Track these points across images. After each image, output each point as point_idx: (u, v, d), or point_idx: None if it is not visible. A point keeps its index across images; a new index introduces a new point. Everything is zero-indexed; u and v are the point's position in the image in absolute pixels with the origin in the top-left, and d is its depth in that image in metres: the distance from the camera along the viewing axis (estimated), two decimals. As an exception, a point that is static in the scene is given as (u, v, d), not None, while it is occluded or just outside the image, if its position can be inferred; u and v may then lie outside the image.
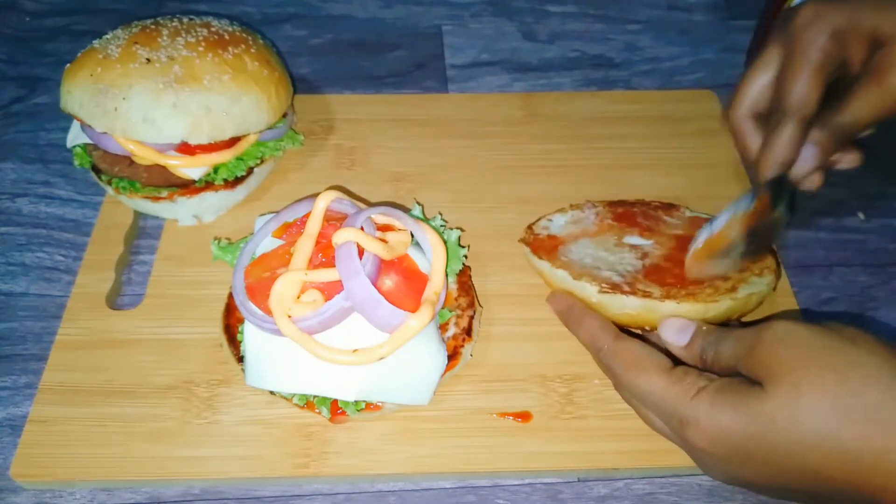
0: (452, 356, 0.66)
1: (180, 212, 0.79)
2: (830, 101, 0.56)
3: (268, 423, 0.65)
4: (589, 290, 0.64)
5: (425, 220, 0.71)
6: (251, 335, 0.62)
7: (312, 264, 0.62)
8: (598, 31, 1.08)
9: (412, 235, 0.66)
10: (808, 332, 0.48)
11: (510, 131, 0.90)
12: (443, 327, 0.67)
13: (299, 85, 0.95)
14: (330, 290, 0.60)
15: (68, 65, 0.76)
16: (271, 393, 0.65)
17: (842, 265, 0.80)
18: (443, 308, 0.67)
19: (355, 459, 0.63)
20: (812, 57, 0.55)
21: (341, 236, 0.61)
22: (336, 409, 0.63)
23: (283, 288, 0.60)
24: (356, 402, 0.63)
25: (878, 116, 0.55)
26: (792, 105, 0.55)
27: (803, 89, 0.55)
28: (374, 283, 0.60)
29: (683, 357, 0.57)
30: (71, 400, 0.66)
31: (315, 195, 0.66)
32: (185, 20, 0.78)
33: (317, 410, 0.63)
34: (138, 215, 0.82)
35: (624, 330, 0.61)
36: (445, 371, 0.65)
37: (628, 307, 0.62)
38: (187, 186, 0.77)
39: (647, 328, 0.65)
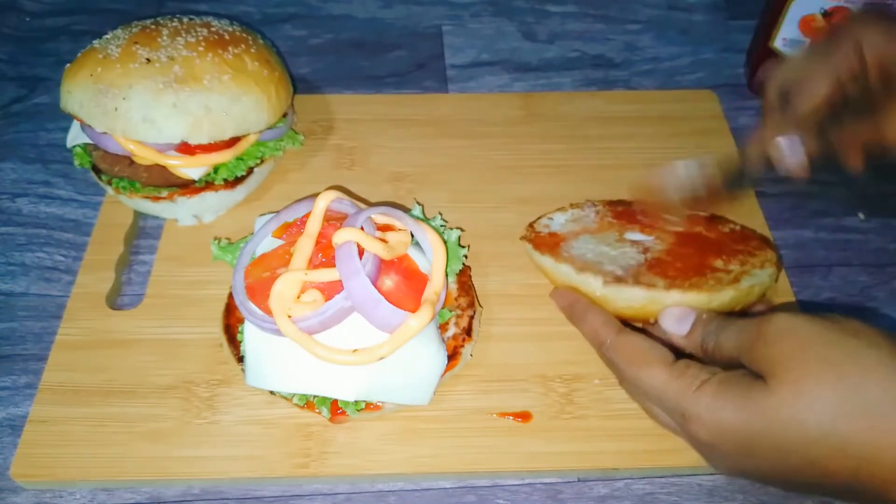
0: (452, 356, 0.66)
1: (180, 212, 0.79)
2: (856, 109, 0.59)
3: (268, 423, 0.65)
4: (593, 284, 0.63)
5: (425, 220, 0.71)
6: (251, 335, 0.62)
7: (312, 264, 0.62)
8: (598, 31, 1.08)
9: (412, 235, 0.66)
10: (809, 325, 0.48)
11: (510, 131, 0.90)
12: (443, 327, 0.67)
13: (299, 85, 0.95)
14: (330, 290, 0.60)
15: (68, 65, 0.76)
16: (271, 393, 0.65)
17: (842, 265, 0.80)
18: (443, 308, 0.67)
19: (355, 459, 0.63)
20: (834, 62, 0.57)
21: (341, 236, 0.61)
22: (336, 409, 0.63)
23: (283, 288, 0.60)
24: (356, 402, 0.63)
25: (874, 140, 0.58)
26: (796, 103, 0.58)
27: (810, 89, 0.58)
28: (374, 283, 0.60)
29: (684, 346, 0.57)
30: (71, 400, 0.66)
31: (315, 195, 0.66)
32: (185, 20, 0.78)
33: (317, 410, 0.63)
34: (138, 215, 0.82)
35: (627, 324, 0.61)
36: (445, 371, 0.65)
37: (633, 299, 0.62)
38: (187, 186, 0.77)
39: (651, 321, 0.65)
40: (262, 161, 0.81)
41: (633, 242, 0.70)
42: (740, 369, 0.50)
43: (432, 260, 0.64)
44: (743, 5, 1.11)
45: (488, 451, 0.64)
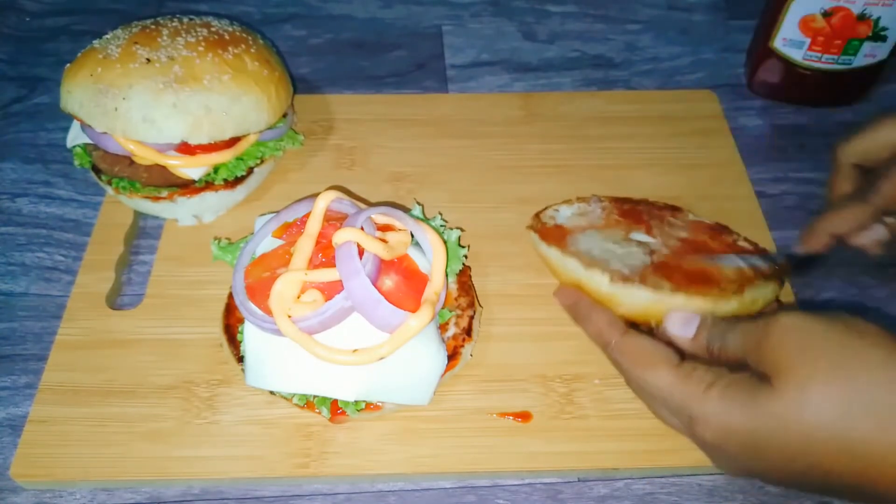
0: (452, 356, 0.66)
1: (180, 212, 0.79)
2: None
3: (268, 423, 0.65)
4: (599, 281, 0.63)
5: (425, 220, 0.71)
6: (251, 335, 0.62)
7: (312, 264, 0.62)
8: (598, 31, 1.08)
9: (412, 235, 0.66)
10: (813, 324, 0.47)
11: (510, 131, 0.90)
12: (443, 327, 0.67)
13: (299, 85, 0.95)
14: (330, 290, 0.60)
15: (68, 65, 0.76)
16: (271, 393, 0.65)
17: (842, 265, 0.80)
18: (443, 308, 0.67)
19: (355, 459, 0.63)
20: None
21: (341, 236, 0.61)
22: (336, 409, 0.63)
23: (283, 288, 0.60)
24: (356, 402, 0.63)
25: None
26: (885, 188, 0.56)
27: None
28: (374, 283, 0.60)
29: (690, 350, 0.57)
30: (71, 400, 0.66)
31: (315, 195, 0.66)
32: (185, 20, 0.78)
33: (317, 410, 0.63)
34: (138, 215, 0.82)
35: (632, 325, 0.61)
36: (445, 371, 0.65)
37: (638, 300, 0.62)
38: (187, 186, 0.77)
39: (653, 324, 0.65)
40: (262, 161, 0.81)
41: (640, 243, 0.69)
42: (746, 371, 0.50)
43: (432, 260, 0.64)
44: (743, 5, 1.11)
45: (488, 451, 0.64)
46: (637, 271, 0.65)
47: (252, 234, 0.69)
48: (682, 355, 0.55)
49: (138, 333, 0.71)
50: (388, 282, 0.62)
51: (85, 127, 0.76)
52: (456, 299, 0.69)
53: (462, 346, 0.66)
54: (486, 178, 0.85)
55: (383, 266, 0.62)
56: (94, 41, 0.76)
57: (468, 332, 0.67)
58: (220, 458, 0.63)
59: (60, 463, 0.62)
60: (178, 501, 0.63)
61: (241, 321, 0.66)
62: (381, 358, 0.59)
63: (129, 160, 0.77)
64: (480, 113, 0.92)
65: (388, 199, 0.83)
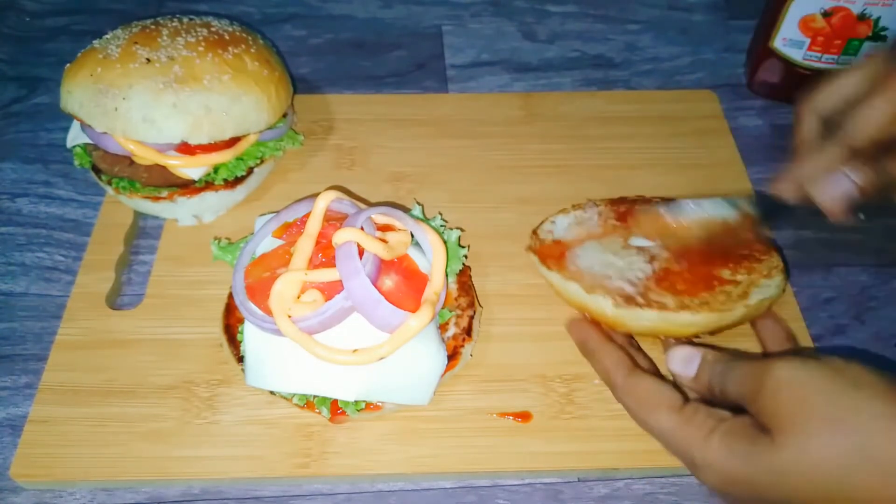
0: (452, 356, 0.66)
1: (180, 212, 0.79)
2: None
3: (268, 423, 0.65)
4: (603, 304, 0.64)
5: (425, 220, 0.71)
6: (251, 335, 0.62)
7: (312, 264, 0.62)
8: (598, 31, 1.08)
9: (412, 235, 0.66)
10: (808, 376, 0.47)
11: (510, 131, 0.90)
12: (443, 327, 0.67)
13: (299, 85, 0.95)
14: (330, 290, 0.60)
15: (68, 65, 0.76)
16: (271, 393, 0.65)
17: (842, 265, 0.80)
18: (443, 308, 0.67)
19: (355, 459, 0.63)
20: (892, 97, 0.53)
21: (341, 236, 0.61)
22: (336, 409, 0.63)
23: (283, 288, 0.60)
24: (356, 402, 0.63)
25: None
26: (847, 131, 0.55)
27: (866, 120, 0.54)
28: (374, 283, 0.60)
29: (692, 387, 0.57)
30: (71, 400, 0.66)
31: (315, 195, 0.66)
32: (185, 20, 0.78)
33: (317, 410, 0.63)
34: (138, 215, 0.82)
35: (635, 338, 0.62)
36: (445, 371, 0.65)
37: (644, 319, 0.63)
38: (187, 186, 0.77)
39: (663, 338, 0.65)
40: (262, 161, 0.81)
41: (639, 249, 0.70)
42: (747, 417, 0.50)
43: (432, 260, 0.64)
44: (743, 5, 1.11)
45: (488, 451, 0.64)
46: (639, 287, 0.65)
47: (252, 234, 0.69)
48: (685, 394, 0.55)
49: (138, 333, 0.71)
50: (388, 282, 0.62)
51: (85, 127, 0.76)
52: (456, 299, 0.69)
53: (462, 346, 0.66)
54: (486, 178, 0.85)
55: (383, 266, 0.62)
56: (94, 41, 0.76)
57: (468, 332, 0.67)
58: (220, 458, 0.63)
59: (60, 463, 0.62)
60: (178, 501, 0.63)
61: (241, 321, 0.66)
62: (381, 358, 0.59)
63: (129, 160, 0.77)
64: (480, 113, 0.92)
65: (388, 199, 0.83)
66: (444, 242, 0.66)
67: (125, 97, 0.70)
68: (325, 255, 0.62)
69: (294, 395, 0.63)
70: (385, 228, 0.66)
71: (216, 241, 0.71)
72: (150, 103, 0.71)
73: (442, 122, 0.91)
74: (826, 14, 0.86)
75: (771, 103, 0.96)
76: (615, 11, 1.11)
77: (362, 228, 0.62)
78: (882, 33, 0.86)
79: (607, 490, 0.64)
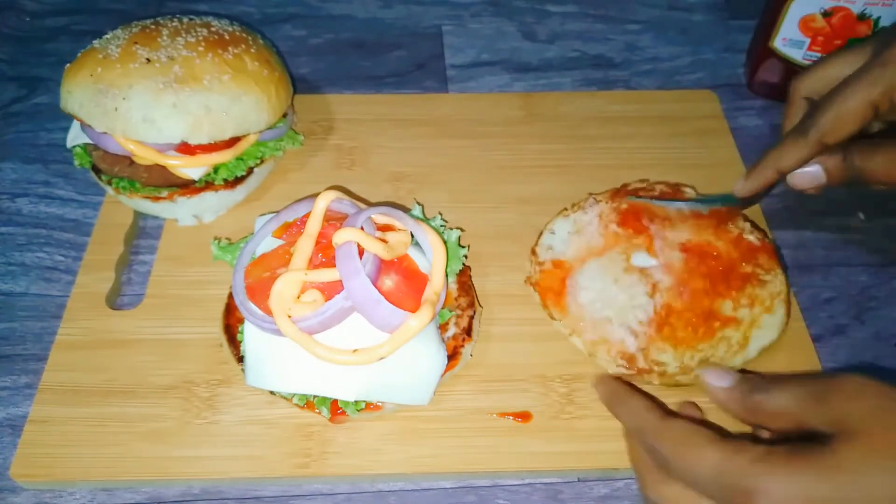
0: (452, 356, 0.66)
1: (180, 212, 0.79)
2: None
3: (268, 423, 0.65)
4: (606, 366, 0.67)
5: (425, 220, 0.71)
6: (251, 335, 0.62)
7: (312, 264, 0.62)
8: (598, 31, 1.08)
9: (412, 235, 0.66)
10: (882, 389, 0.45)
11: (510, 131, 0.90)
12: (443, 327, 0.67)
13: (299, 85, 0.95)
14: (330, 290, 0.60)
15: (68, 65, 0.76)
16: (271, 393, 0.65)
17: (842, 265, 0.80)
18: (443, 308, 0.67)
19: (355, 459, 0.63)
20: (873, 90, 0.55)
21: (341, 236, 0.61)
22: (336, 409, 0.63)
23: (283, 288, 0.60)
24: (356, 402, 0.63)
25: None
26: (821, 122, 0.57)
27: (840, 113, 0.56)
28: (374, 283, 0.60)
29: (724, 402, 0.52)
30: (71, 400, 0.66)
31: (315, 195, 0.66)
32: (185, 20, 0.78)
33: (317, 410, 0.63)
34: (138, 215, 0.82)
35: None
36: (445, 371, 0.65)
37: (645, 383, 0.66)
38: (187, 186, 0.77)
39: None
40: (262, 161, 0.81)
41: (641, 273, 0.70)
42: (796, 441, 0.46)
43: (432, 260, 0.64)
44: (743, 5, 1.11)
45: (488, 451, 0.64)
46: (642, 337, 0.67)
47: (252, 234, 0.69)
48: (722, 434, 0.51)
49: (138, 333, 0.71)
50: (388, 282, 0.62)
51: (85, 127, 0.76)
52: (456, 299, 0.69)
53: (462, 346, 0.67)
54: (486, 178, 0.85)
55: (383, 266, 0.62)
56: (94, 41, 0.76)
57: (468, 332, 0.67)
58: (220, 458, 0.63)
59: (60, 463, 0.62)
60: (178, 501, 0.63)
61: (241, 321, 0.66)
62: (381, 358, 0.59)
63: (129, 160, 0.77)
64: (480, 113, 0.92)
65: (388, 199, 0.83)
66: (444, 242, 0.66)
67: (125, 97, 0.71)
68: (325, 255, 0.62)
69: (294, 395, 0.63)
70: (385, 228, 0.66)
71: (216, 241, 0.71)
72: (150, 103, 0.71)
73: (442, 122, 0.91)
74: (826, 14, 0.86)
75: (771, 103, 0.96)
76: (615, 11, 1.11)
77: (362, 228, 0.62)
78: (882, 33, 0.86)
79: (607, 490, 0.64)
